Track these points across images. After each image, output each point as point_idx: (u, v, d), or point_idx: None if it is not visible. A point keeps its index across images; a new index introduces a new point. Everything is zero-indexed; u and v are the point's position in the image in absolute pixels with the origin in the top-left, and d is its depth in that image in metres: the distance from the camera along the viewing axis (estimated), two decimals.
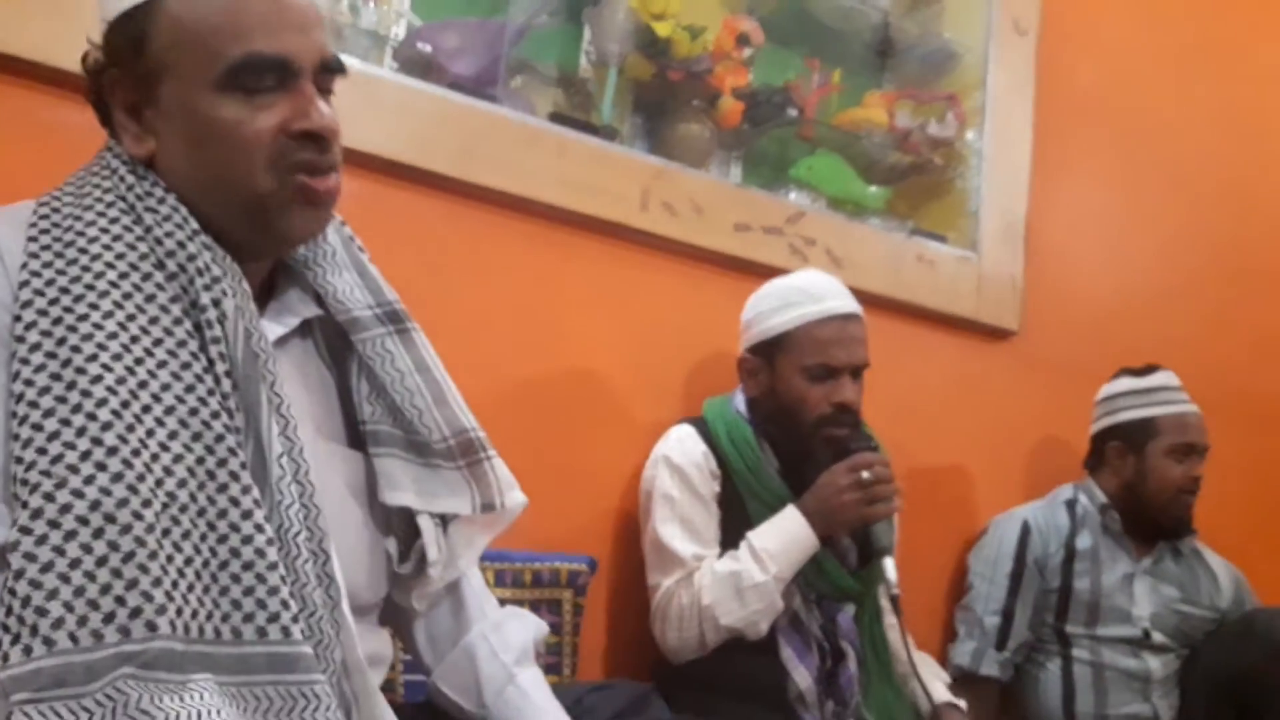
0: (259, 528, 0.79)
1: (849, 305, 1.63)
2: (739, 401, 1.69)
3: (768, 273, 1.93)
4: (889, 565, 1.52)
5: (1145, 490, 1.98)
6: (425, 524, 0.96)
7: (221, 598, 0.77)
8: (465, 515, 0.99)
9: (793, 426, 1.60)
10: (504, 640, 1.04)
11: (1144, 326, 2.50)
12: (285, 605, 0.78)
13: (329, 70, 0.90)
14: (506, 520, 1.03)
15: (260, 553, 0.78)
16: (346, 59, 1.57)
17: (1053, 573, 1.97)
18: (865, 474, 1.51)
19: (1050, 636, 1.98)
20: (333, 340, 0.99)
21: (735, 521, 1.58)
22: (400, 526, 0.98)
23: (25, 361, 0.76)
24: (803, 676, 1.53)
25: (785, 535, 1.52)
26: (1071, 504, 2.04)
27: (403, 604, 1.02)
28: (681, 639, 1.53)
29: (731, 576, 1.49)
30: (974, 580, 2.03)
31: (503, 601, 1.12)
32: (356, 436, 0.98)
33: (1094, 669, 1.94)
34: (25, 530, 0.71)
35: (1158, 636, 1.94)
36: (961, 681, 1.93)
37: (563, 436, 1.74)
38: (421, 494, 0.97)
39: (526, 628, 1.07)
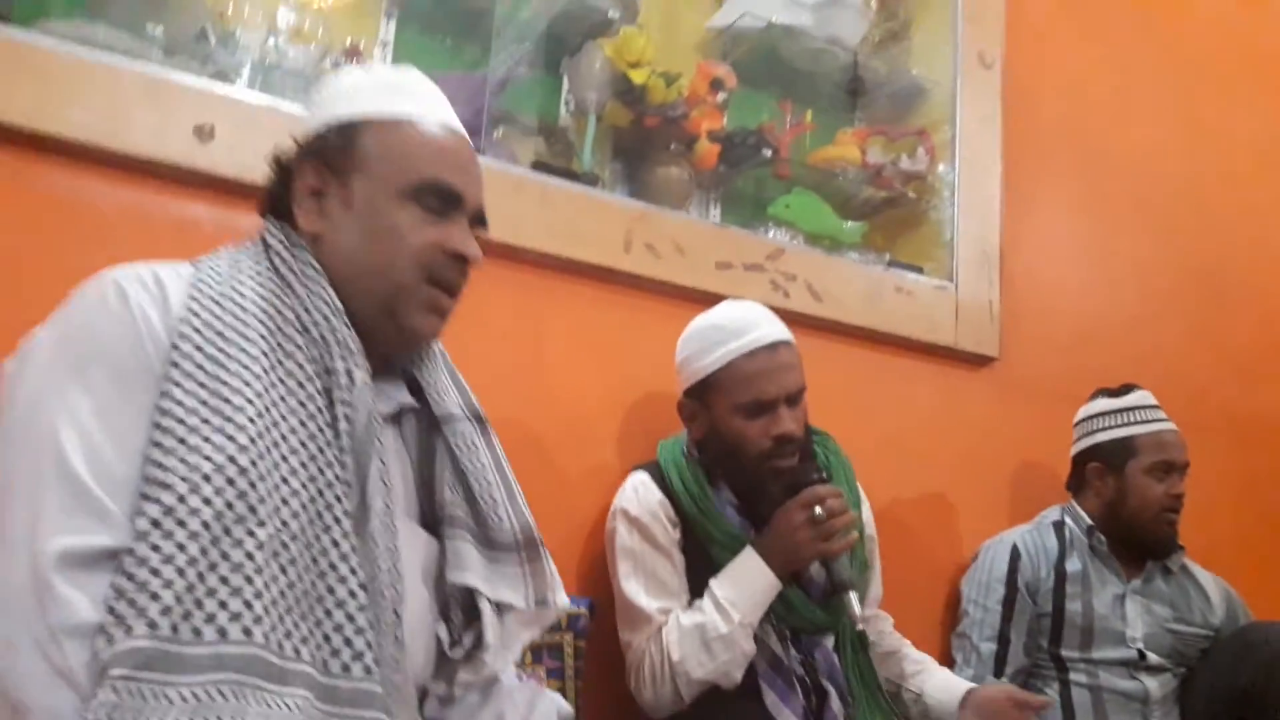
0: (353, 571, 0.87)
1: (773, 333, 1.60)
2: (687, 442, 1.68)
3: None
4: (853, 600, 1.49)
5: (1127, 510, 2.00)
6: (486, 608, 1.03)
7: (315, 628, 0.85)
8: (519, 608, 1.06)
9: (739, 464, 1.59)
10: (528, 704, 1.09)
11: (1121, 348, 2.55)
12: (369, 646, 0.86)
13: (481, 221, 1.08)
14: (547, 621, 1.11)
15: (353, 594, 0.86)
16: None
17: (1044, 597, 1.98)
18: (818, 510, 1.49)
19: (1046, 661, 1.98)
20: (420, 430, 1.08)
21: (700, 566, 1.57)
22: (457, 610, 1.03)
23: (178, 384, 0.85)
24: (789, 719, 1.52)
25: (745, 580, 1.51)
26: (1059, 526, 2.05)
27: (439, 692, 1.05)
28: (657, 696, 1.51)
29: (697, 629, 1.48)
30: (968, 607, 2.03)
31: None
32: (427, 523, 1.06)
33: (1092, 692, 1.94)
34: (155, 524, 0.79)
35: (1153, 657, 1.94)
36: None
37: (556, 480, 1.77)
38: (485, 580, 1.03)
39: (550, 701, 1.12)
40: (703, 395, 1.62)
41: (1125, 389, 2.08)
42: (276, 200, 1.05)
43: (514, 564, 1.06)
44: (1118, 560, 2.01)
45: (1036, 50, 2.56)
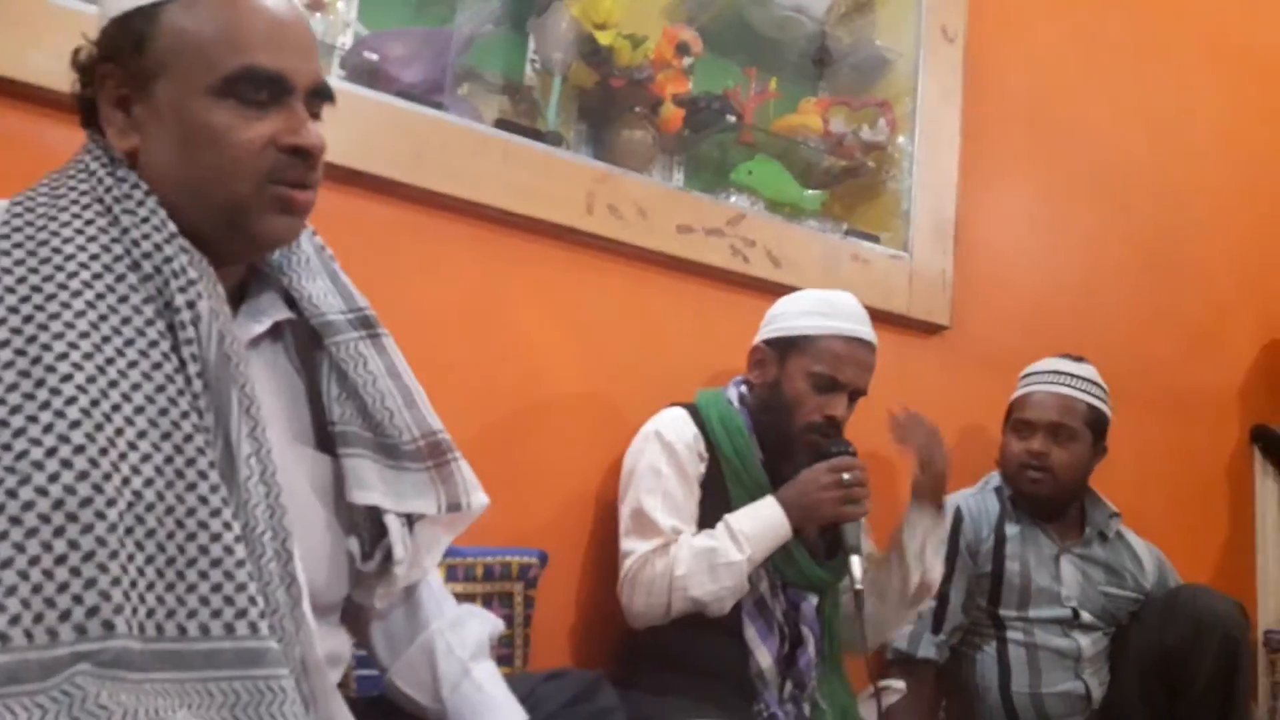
0: (227, 525, 0.80)
1: (871, 336, 1.72)
2: (731, 393, 1.75)
3: (710, 272, 2.01)
4: (855, 563, 1.58)
5: (1004, 471, 2.14)
6: (392, 523, 0.98)
7: (189, 594, 0.78)
8: (431, 515, 1.01)
9: (783, 423, 1.67)
10: (460, 637, 1.07)
11: (1071, 320, 2.61)
12: (253, 601, 0.79)
13: (320, 95, 0.94)
14: (468, 521, 1.06)
15: (228, 549, 0.79)
16: None
17: (984, 558, 2.06)
18: (845, 475, 1.59)
19: (985, 619, 2.06)
20: (303, 344, 1.02)
21: (715, 504, 1.65)
22: (365, 526, 1.00)
23: None
24: (764, 656, 1.60)
25: (762, 521, 1.59)
26: (1000, 490, 2.13)
27: (363, 603, 1.04)
28: (649, 604, 1.58)
29: (707, 552, 1.56)
30: None
31: (455, 595, 1.15)
32: (324, 439, 1.00)
33: (1027, 649, 2.02)
34: None
35: (1086, 616, 2.03)
36: (899, 663, 2.02)
37: (512, 434, 1.79)
38: (389, 494, 0.98)
39: (483, 624, 1.09)
40: (783, 349, 1.70)
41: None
42: (93, 111, 0.92)
43: (421, 471, 1.00)
44: (1046, 523, 2.09)
45: (999, 25, 2.59)
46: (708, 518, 1.64)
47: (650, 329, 1.97)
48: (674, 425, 1.69)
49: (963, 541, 2.06)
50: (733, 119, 2.18)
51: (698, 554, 1.56)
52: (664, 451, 1.66)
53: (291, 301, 1.00)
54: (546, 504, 1.80)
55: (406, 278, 1.72)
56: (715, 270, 2.03)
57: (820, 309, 1.71)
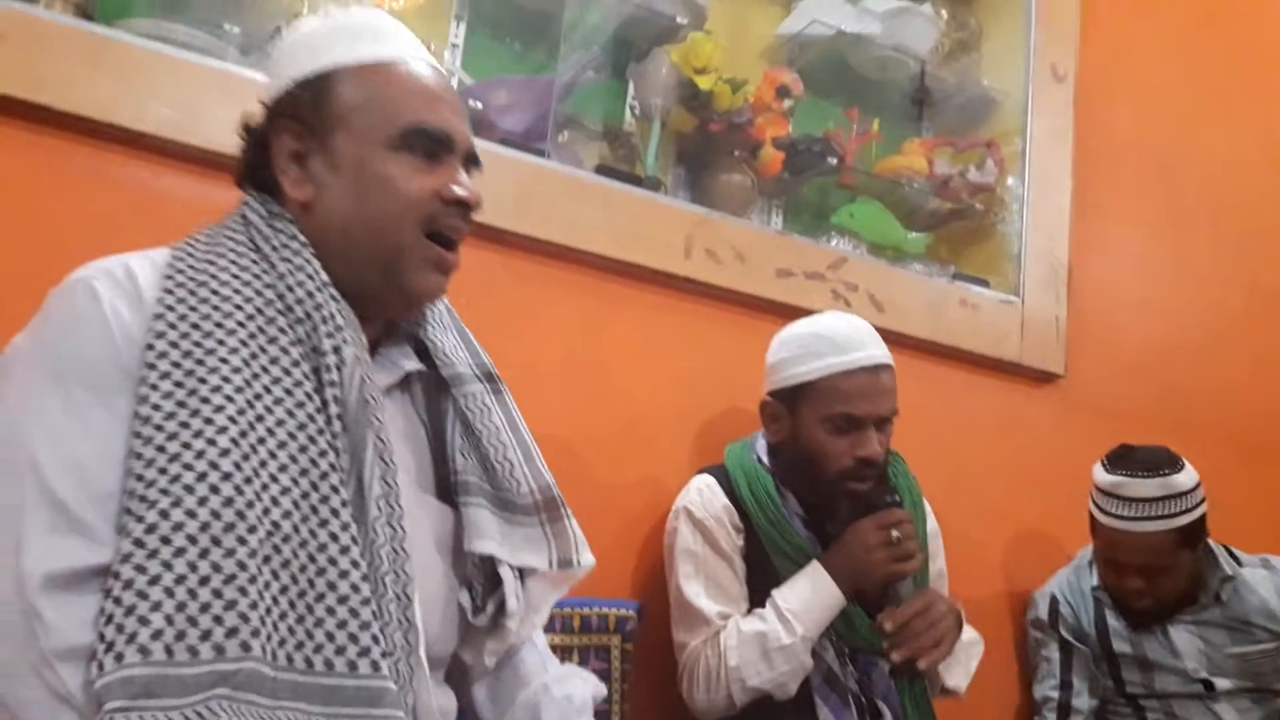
0: (355, 564, 0.82)
1: (877, 355, 1.56)
2: (760, 446, 1.66)
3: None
4: None
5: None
6: (507, 575, 0.99)
7: (316, 628, 0.80)
8: (542, 570, 1.02)
9: (814, 477, 1.56)
10: (565, 695, 1.06)
11: (1191, 369, 2.49)
12: (376, 640, 0.81)
13: (472, 160, 1.02)
14: (575, 579, 1.07)
15: (355, 588, 0.82)
16: None
17: (1093, 642, 1.96)
18: (895, 533, 1.48)
19: (1120, 702, 1.95)
20: (429, 394, 1.05)
21: (761, 575, 1.55)
22: (478, 578, 1.00)
23: (154, 388, 0.81)
24: None
25: (811, 594, 1.48)
26: (1096, 588, 1.99)
27: (470, 660, 1.04)
28: (710, 700, 1.50)
29: (758, 637, 1.46)
30: (1036, 660, 2.04)
31: (552, 647, 1.15)
32: (443, 489, 1.03)
33: None
34: (139, 543, 0.75)
35: (1221, 683, 1.88)
36: None
37: (611, 482, 1.76)
38: (505, 545, 1.00)
39: (586, 685, 1.09)
40: (791, 401, 1.58)
41: (1120, 466, 1.86)
42: (255, 171, 0.99)
43: (534, 526, 1.02)
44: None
45: (1110, 63, 2.51)
46: (756, 590, 1.54)
47: (750, 375, 1.91)
48: (702, 500, 1.59)
49: (1067, 630, 1.97)
50: (833, 161, 2.15)
51: (747, 641, 1.47)
52: (695, 530, 1.57)
53: (420, 354, 1.05)
54: (644, 554, 1.76)
55: (509, 324, 1.72)
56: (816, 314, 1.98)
57: (814, 347, 1.56)
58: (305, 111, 0.95)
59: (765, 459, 1.64)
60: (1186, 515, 1.80)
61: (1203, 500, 1.83)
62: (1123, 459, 1.85)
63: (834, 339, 1.56)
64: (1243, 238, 2.65)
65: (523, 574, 1.01)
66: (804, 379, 1.55)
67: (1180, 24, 2.68)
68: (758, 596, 1.54)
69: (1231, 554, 1.96)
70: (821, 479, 1.55)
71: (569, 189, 1.78)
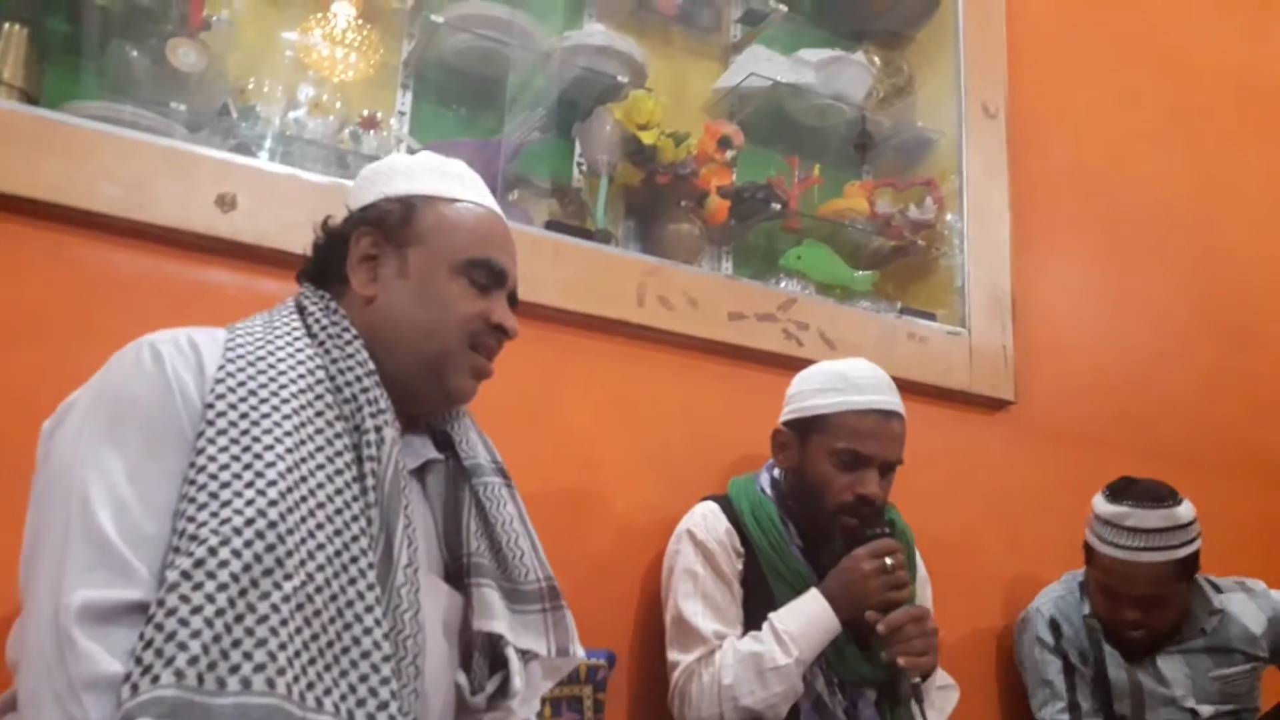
0: (377, 622, 0.89)
1: (893, 403, 1.63)
2: (763, 480, 1.71)
3: (763, 357, 2.00)
4: (916, 714, 1.50)
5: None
6: (512, 656, 1.05)
7: (341, 679, 0.86)
8: (541, 656, 1.09)
9: (813, 507, 1.61)
10: None
11: (1140, 389, 2.54)
12: (394, 696, 0.87)
13: (513, 299, 1.16)
14: (567, 669, 1.16)
15: (377, 645, 0.88)
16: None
17: (1090, 665, 1.96)
18: (888, 560, 1.52)
19: None
20: (445, 483, 1.13)
21: (758, 600, 1.59)
22: (481, 658, 1.06)
23: (212, 441, 0.88)
24: None
25: (807, 618, 1.52)
26: (1085, 586, 2.01)
27: None
28: (701, 718, 1.52)
29: (753, 657, 1.50)
30: (1033, 688, 2.02)
31: None
32: (448, 574, 1.09)
33: None
34: (186, 575, 0.80)
35: (1206, 710, 1.90)
36: None
37: (573, 531, 1.78)
38: (511, 628, 1.06)
39: None
40: (803, 431, 1.64)
41: (1122, 497, 1.89)
42: (317, 267, 1.13)
43: (537, 613, 1.09)
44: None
45: (1040, 98, 2.60)
46: (752, 616, 1.58)
47: (706, 417, 1.96)
48: (705, 523, 1.64)
49: (1069, 649, 1.97)
50: (778, 207, 2.21)
51: (743, 660, 1.50)
52: (698, 552, 1.61)
53: (437, 446, 1.13)
54: (608, 600, 1.77)
55: None
56: (769, 355, 2.02)
57: (833, 383, 1.64)
58: (389, 223, 1.09)
59: (769, 490, 1.69)
60: (1186, 547, 1.84)
61: (1199, 533, 1.86)
62: (1126, 490, 1.89)
63: (854, 380, 1.63)
64: (1180, 259, 2.73)
65: (523, 658, 1.07)
66: (819, 411, 1.62)
67: (1106, 57, 2.79)
68: (753, 621, 1.57)
69: (1211, 581, 1.99)
70: (820, 510, 1.60)
71: (521, 245, 1.76)
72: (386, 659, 0.87)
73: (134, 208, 1.55)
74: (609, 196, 2.07)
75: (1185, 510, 1.85)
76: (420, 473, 1.11)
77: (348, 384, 1.00)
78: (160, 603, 0.79)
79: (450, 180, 1.14)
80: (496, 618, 1.05)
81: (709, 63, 2.40)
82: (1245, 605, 1.98)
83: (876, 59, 2.53)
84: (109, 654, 0.78)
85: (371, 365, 1.02)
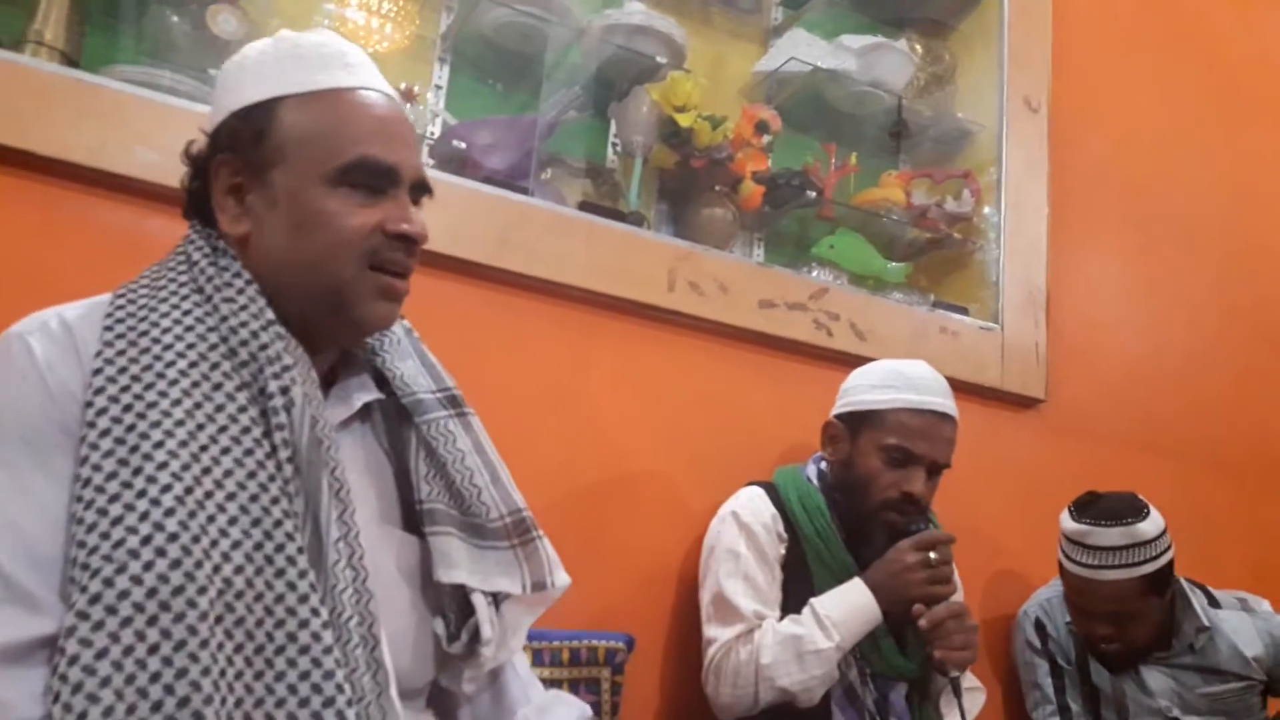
0: (315, 611, 0.80)
1: (948, 407, 1.63)
2: (810, 471, 1.71)
3: (793, 347, 1.99)
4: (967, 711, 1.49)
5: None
6: (479, 602, 0.97)
7: (277, 682, 0.78)
8: (516, 595, 1.00)
9: (859, 502, 1.62)
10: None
11: (1172, 389, 2.51)
12: (340, 689, 0.79)
13: (421, 188, 0.98)
14: (550, 600, 1.05)
15: (316, 636, 0.79)
16: None
17: (1074, 672, 1.96)
18: (933, 555, 1.52)
19: None
20: (391, 423, 1.03)
21: (799, 586, 1.59)
22: (451, 606, 0.99)
23: (94, 447, 0.78)
24: None
25: (850, 605, 1.52)
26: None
27: (450, 688, 1.01)
28: (735, 695, 1.52)
29: (794, 640, 1.50)
30: (1026, 690, 2.03)
31: (541, 681, 1.13)
32: (411, 519, 1.00)
33: None
34: (82, 615, 0.72)
35: None
36: None
37: (596, 514, 1.77)
38: (475, 573, 0.98)
39: (570, 710, 1.07)
40: (856, 425, 1.64)
41: (1084, 516, 1.84)
42: (197, 202, 0.96)
43: (506, 550, 0.99)
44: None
45: (1083, 94, 2.56)
46: (791, 601, 1.58)
47: (733, 405, 1.95)
48: (751, 506, 1.65)
49: (1055, 651, 1.98)
50: (813, 194, 2.18)
51: (784, 641, 1.50)
52: (741, 533, 1.61)
53: (380, 383, 1.02)
54: (631, 585, 1.77)
55: (493, 357, 1.73)
56: (798, 345, 2.01)
57: (891, 381, 1.64)
58: (244, 145, 0.92)
59: (815, 481, 1.69)
60: (1151, 564, 1.79)
61: (1168, 548, 1.83)
62: (1088, 507, 1.86)
63: (911, 379, 1.63)
64: (1217, 260, 2.69)
65: (497, 599, 0.99)
66: (873, 406, 1.63)
67: (1150, 54, 2.74)
68: (791, 606, 1.57)
69: (1209, 594, 1.97)
70: (865, 504, 1.61)
71: (552, 225, 1.80)
72: (328, 650, 0.79)
73: (170, 174, 1.51)
74: (643, 178, 2.05)
75: (1150, 526, 1.80)
76: (366, 416, 1.01)
77: (242, 343, 0.87)
78: (61, 650, 0.71)
79: (303, 67, 0.93)
80: (457, 566, 0.96)
81: (748, 45, 2.37)
82: (1241, 625, 1.94)
83: (918, 47, 2.50)
84: (27, 698, 0.72)
85: (270, 314, 0.88)
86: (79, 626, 0.72)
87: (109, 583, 0.73)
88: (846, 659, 1.53)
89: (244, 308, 0.89)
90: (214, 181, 0.94)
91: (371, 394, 1.01)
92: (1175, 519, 1.88)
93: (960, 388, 2.17)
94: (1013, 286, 2.29)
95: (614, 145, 2.13)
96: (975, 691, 1.67)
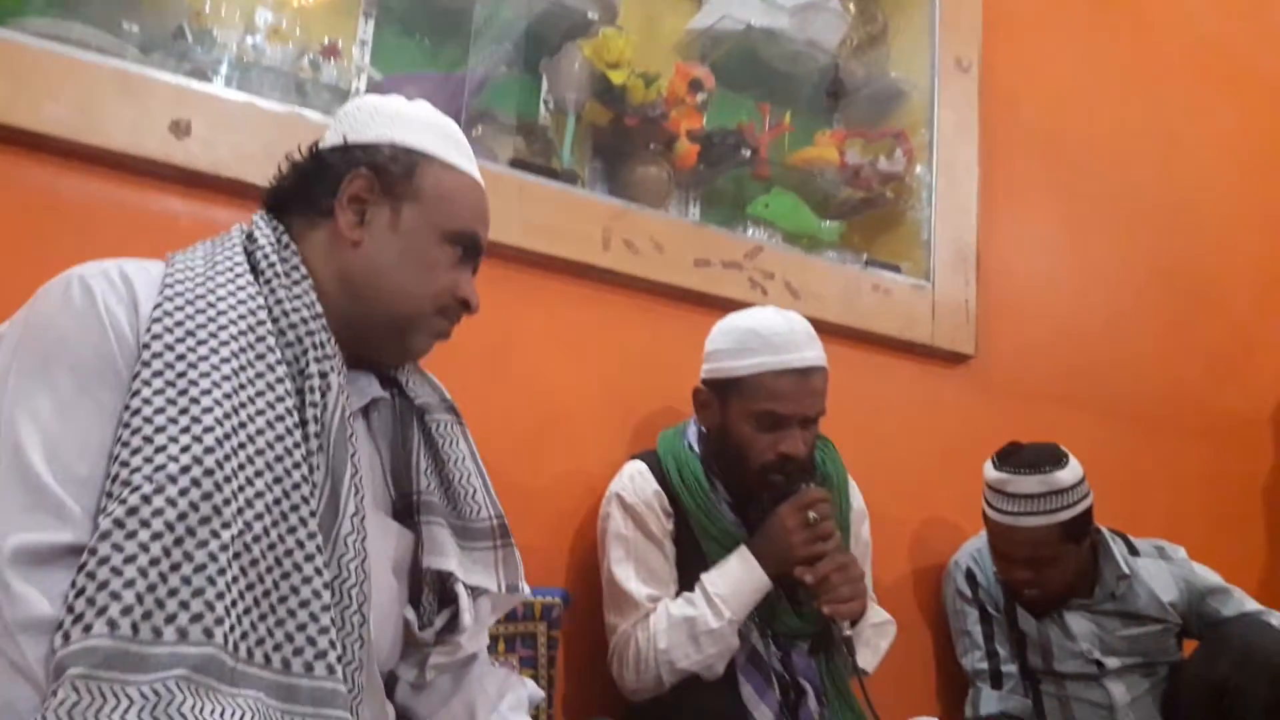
0: (318, 571, 0.86)
1: (810, 358, 1.58)
2: (691, 434, 1.69)
3: (729, 306, 1.98)
4: (858, 662, 1.51)
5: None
6: (462, 593, 1.05)
7: (277, 628, 0.84)
8: (490, 592, 1.09)
9: (738, 467, 1.60)
10: (499, 690, 1.12)
11: (1096, 346, 2.58)
12: (333, 645, 0.85)
13: (477, 266, 1.14)
14: (513, 604, 1.17)
15: (317, 594, 0.86)
16: (307, 113, 1.64)
17: (1002, 614, 2.02)
18: (811, 514, 1.51)
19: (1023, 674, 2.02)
20: (393, 421, 1.12)
21: (691, 559, 1.59)
22: (430, 594, 1.06)
23: (147, 383, 0.85)
24: (764, 714, 1.54)
25: (737, 578, 1.52)
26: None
27: (409, 675, 1.08)
28: (639, 680, 1.53)
29: (687, 622, 1.50)
30: (956, 637, 2.08)
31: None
32: (396, 511, 1.08)
33: (1060, 702, 1.98)
34: (119, 523, 0.78)
35: (1112, 661, 1.95)
36: None
37: (531, 473, 1.77)
38: (460, 565, 1.06)
39: (524, 687, 1.15)
40: (722, 392, 1.61)
41: (1007, 464, 1.90)
42: (295, 192, 1.07)
43: (488, 550, 1.09)
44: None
45: (1013, 55, 2.59)
46: (686, 574, 1.58)
47: (668, 364, 1.95)
48: (634, 485, 1.63)
49: (985, 599, 2.03)
50: (748, 153, 2.18)
51: (677, 624, 1.50)
52: (627, 515, 1.61)
53: (383, 383, 1.11)
54: (566, 541, 1.78)
55: None
56: (733, 303, 2.00)
57: (747, 343, 1.58)
58: (389, 172, 1.05)
59: (696, 446, 1.67)
60: (1068, 510, 1.86)
61: (1086, 496, 1.89)
62: (1009, 456, 1.91)
63: (769, 338, 1.58)
64: (1141, 219, 2.75)
65: (473, 594, 1.07)
66: (735, 374, 1.59)
67: (1079, 15, 2.78)
68: (687, 579, 1.57)
69: (1128, 543, 2.03)
70: (745, 470, 1.59)
71: (485, 183, 1.77)
72: (326, 608, 0.85)
73: (83, 131, 1.49)
74: (576, 136, 2.03)
75: (1068, 474, 1.87)
76: (365, 410, 1.09)
77: (291, 326, 0.96)
78: (93, 550, 0.77)
79: (451, 145, 1.10)
80: (447, 555, 1.05)
81: (682, 3, 2.35)
82: (1159, 571, 2.01)
83: (851, 6, 2.50)
84: (45, 597, 0.76)
85: (319, 308, 0.98)
86: (113, 532, 0.77)
87: (147, 499, 0.79)
88: (746, 623, 1.54)
89: (298, 296, 0.98)
90: (344, 185, 1.04)
91: (379, 391, 1.10)
92: (1097, 470, 1.95)
93: (892, 344, 2.22)
94: (944, 245, 2.32)
95: (546, 102, 2.10)
96: (884, 626, 1.68)
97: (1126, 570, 1.97)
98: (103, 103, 1.51)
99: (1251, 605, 1.98)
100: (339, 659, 0.85)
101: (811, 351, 1.59)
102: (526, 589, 1.12)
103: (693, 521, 1.60)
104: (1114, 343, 2.61)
